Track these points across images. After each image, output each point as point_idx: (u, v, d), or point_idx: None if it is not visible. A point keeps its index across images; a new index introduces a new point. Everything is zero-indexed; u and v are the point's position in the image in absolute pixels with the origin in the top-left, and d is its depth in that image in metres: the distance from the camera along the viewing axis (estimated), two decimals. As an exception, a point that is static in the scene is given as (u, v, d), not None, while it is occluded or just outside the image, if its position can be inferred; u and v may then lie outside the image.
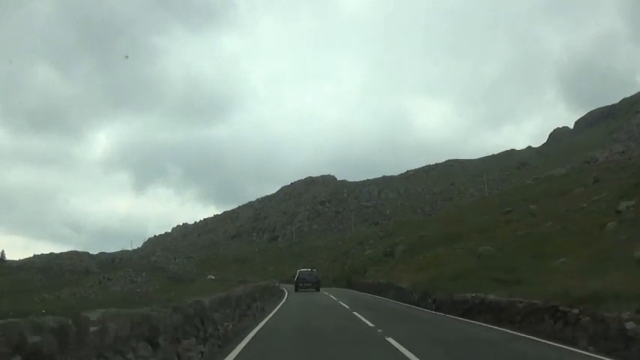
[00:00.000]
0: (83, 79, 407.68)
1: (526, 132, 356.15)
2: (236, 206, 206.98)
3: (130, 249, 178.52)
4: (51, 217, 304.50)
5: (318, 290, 46.76)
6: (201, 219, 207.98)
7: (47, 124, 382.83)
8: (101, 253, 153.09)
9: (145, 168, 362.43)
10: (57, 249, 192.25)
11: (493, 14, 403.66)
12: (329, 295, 38.56)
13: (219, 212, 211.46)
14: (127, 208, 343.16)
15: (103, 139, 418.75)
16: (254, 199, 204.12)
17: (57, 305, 75.23)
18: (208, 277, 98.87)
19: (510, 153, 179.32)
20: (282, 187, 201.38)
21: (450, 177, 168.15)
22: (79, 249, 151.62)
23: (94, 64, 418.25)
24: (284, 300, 34.04)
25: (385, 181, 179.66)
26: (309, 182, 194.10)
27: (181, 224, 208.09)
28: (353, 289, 51.13)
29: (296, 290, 46.95)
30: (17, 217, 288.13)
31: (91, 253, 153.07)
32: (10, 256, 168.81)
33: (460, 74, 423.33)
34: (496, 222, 48.20)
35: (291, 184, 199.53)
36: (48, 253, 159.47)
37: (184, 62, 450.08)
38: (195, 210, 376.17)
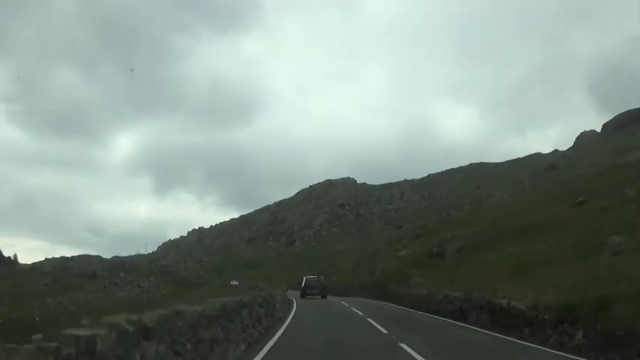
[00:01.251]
0: (105, 82, 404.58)
1: (551, 137, 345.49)
2: (253, 210, 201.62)
3: (144, 252, 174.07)
4: (72, 221, 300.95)
5: (324, 297, 46.84)
6: (217, 223, 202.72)
7: (69, 127, 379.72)
8: (115, 257, 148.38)
9: (166, 172, 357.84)
10: (76, 253, 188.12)
11: (519, 17, 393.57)
12: (363, 315, 26.22)
13: (236, 216, 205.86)
14: (148, 212, 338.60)
15: (125, 143, 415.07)
16: (271, 203, 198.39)
17: (51, 312, 70.21)
18: (231, 282, 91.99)
19: (536, 156, 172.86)
20: (301, 190, 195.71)
21: (474, 180, 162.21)
22: (100, 253, 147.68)
23: (117, 66, 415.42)
24: (289, 319, 24.61)
25: (407, 185, 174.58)
26: (329, 185, 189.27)
27: (197, 228, 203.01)
28: (390, 300, 40.72)
29: (302, 297, 46.60)
30: (38, 221, 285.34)
31: (104, 256, 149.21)
32: (27, 260, 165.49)
33: (485, 78, 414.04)
34: (580, 212, 38.38)
35: (310, 187, 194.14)
36: (59, 256, 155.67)
37: (207, 64, 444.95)
38: (217, 215, 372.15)
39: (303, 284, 50.13)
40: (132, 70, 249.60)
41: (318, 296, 46.94)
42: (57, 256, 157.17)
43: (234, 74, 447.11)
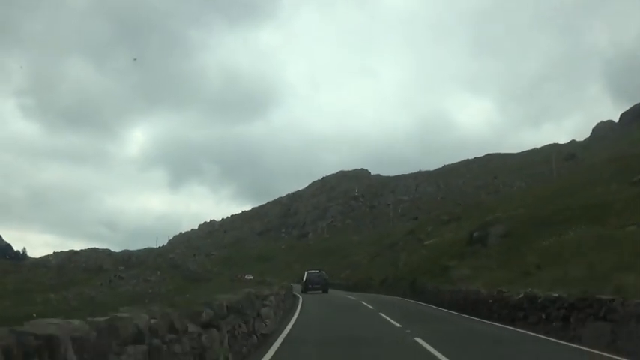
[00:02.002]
0: (119, 75, 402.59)
1: (567, 128, 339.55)
2: (265, 202, 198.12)
3: (155, 246, 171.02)
4: (85, 215, 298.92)
5: (326, 292, 46.80)
6: (228, 216, 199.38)
7: (83, 121, 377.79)
8: (124, 251, 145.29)
9: (180, 165, 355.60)
10: (89, 247, 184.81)
11: (535, 8, 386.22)
12: (402, 327, 18.14)
13: (248, 209, 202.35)
14: (162, 206, 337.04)
15: (139, 136, 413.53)
16: (284, 195, 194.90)
17: (54, 307, 66.79)
18: (246, 276, 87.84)
19: (553, 147, 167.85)
20: (313, 182, 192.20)
21: (490, 171, 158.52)
22: (114, 248, 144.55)
23: (130, 59, 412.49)
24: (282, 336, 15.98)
25: (422, 176, 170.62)
26: (342, 177, 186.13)
27: (208, 221, 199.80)
28: (422, 298, 33.81)
29: (304, 292, 46.25)
30: (51, 216, 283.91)
31: (113, 250, 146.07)
32: (36, 254, 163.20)
33: (501, 69, 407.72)
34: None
35: (323, 178, 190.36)
36: (67, 250, 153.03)
37: (222, 57, 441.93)
38: (231, 208, 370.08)
39: (304, 279, 50.48)
40: (135, 59, 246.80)
41: (320, 290, 47.04)
42: (65, 250, 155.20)
43: (248, 67, 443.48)
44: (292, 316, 22.84)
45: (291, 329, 17.89)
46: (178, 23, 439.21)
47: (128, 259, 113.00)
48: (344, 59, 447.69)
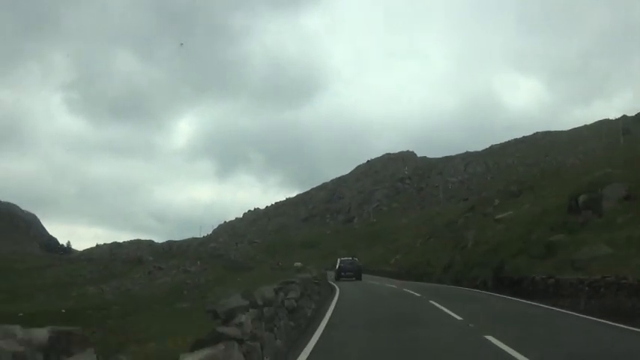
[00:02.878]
0: (164, 64, 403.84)
1: (617, 105, 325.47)
2: (309, 188, 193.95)
3: (199, 236, 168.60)
4: (134, 207, 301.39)
5: (359, 279, 46.14)
6: (273, 203, 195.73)
7: (128, 113, 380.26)
8: (166, 242, 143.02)
9: (227, 154, 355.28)
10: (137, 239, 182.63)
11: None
12: None
13: (293, 195, 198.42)
14: (210, 196, 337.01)
15: (185, 126, 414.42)
16: (328, 180, 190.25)
17: (85, 302, 63.76)
18: (295, 264, 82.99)
19: (604, 123, 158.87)
20: (358, 166, 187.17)
21: (541, 149, 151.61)
22: (162, 239, 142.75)
23: (175, 48, 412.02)
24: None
25: (469, 157, 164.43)
26: (387, 160, 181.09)
27: (252, 209, 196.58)
28: (524, 295, 22.93)
29: (337, 279, 45.08)
30: (100, 209, 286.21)
31: (156, 241, 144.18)
32: (81, 247, 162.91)
33: (549, 47, 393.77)
34: None
35: (368, 162, 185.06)
36: (111, 242, 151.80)
37: (266, 43, 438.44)
38: (278, 196, 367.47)
39: (337, 266, 49.79)
40: (181, 44, 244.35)
41: (353, 278, 46.37)
42: (114, 241, 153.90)
43: (294, 52, 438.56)
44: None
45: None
46: (222, 9, 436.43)
47: (169, 250, 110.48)
48: (389, 41, 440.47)
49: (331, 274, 47.10)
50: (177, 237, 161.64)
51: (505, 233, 35.70)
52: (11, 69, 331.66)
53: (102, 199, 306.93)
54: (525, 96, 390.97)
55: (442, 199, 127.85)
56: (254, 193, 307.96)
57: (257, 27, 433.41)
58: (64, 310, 50.59)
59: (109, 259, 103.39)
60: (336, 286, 33.59)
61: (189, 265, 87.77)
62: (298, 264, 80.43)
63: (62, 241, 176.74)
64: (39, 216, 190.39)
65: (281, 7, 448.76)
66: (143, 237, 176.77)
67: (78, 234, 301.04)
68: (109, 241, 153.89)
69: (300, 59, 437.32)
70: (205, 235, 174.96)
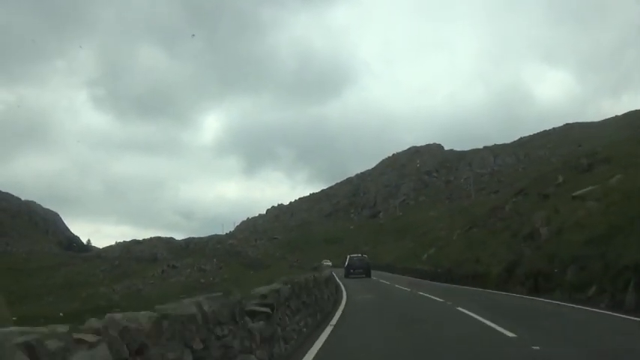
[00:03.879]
0: (190, 60, 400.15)
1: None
2: (334, 183, 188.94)
3: (221, 233, 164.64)
4: (161, 205, 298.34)
5: (368, 276, 45.12)
6: (296, 199, 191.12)
7: (154, 109, 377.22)
8: (185, 239, 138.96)
9: (254, 151, 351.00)
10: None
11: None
12: None
13: (317, 191, 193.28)
14: (237, 192, 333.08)
15: (212, 122, 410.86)
16: (353, 175, 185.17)
17: (91, 304, 59.65)
18: (324, 262, 76.64)
19: (635, 113, 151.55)
20: (383, 160, 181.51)
21: (572, 140, 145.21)
22: (187, 236, 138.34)
23: (201, 43, 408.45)
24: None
25: (498, 148, 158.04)
26: (413, 152, 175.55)
27: (276, 205, 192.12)
28: None
29: (346, 276, 44.39)
30: (127, 207, 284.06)
31: (176, 238, 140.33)
32: (101, 245, 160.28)
33: (579, 39, 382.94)
34: None
35: (393, 155, 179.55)
36: (130, 240, 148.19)
37: (294, 36, 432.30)
38: (306, 192, 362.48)
39: (346, 263, 49.15)
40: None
41: (363, 275, 45.40)
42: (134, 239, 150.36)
43: (321, 46, 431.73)
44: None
45: None
46: (250, 1, 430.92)
47: (186, 247, 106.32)
48: (418, 34, 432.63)
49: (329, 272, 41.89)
50: (202, 234, 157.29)
51: (605, 213, 22.67)
52: (36, 66, 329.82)
53: (128, 196, 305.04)
54: (554, 88, 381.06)
55: (473, 191, 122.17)
56: (282, 189, 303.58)
57: (285, 20, 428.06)
58: (62, 314, 46.41)
59: (123, 257, 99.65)
60: (343, 289, 27.09)
61: (205, 263, 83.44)
62: (328, 262, 73.24)
63: (85, 240, 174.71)
64: (63, 214, 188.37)
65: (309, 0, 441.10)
66: (170, 235, 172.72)
67: (104, 232, 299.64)
68: (127, 239, 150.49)
69: (328, 52, 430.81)
70: (228, 232, 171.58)
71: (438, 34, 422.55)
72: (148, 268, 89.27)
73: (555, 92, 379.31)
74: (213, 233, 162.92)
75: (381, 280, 39.34)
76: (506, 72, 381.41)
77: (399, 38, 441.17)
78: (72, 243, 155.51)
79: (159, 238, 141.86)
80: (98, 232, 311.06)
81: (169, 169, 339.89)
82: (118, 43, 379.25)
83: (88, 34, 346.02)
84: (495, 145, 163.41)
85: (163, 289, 69.47)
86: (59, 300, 71.36)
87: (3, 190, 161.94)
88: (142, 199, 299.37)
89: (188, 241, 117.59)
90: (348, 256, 51.60)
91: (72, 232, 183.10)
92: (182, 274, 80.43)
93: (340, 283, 31.37)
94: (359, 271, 46.74)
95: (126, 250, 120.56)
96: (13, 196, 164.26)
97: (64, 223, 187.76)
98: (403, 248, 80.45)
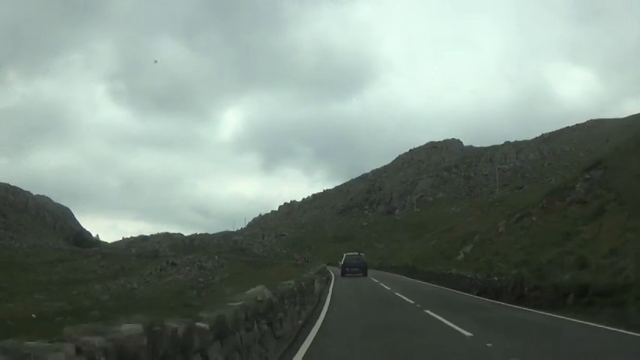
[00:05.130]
0: (210, 55, 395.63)
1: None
2: (348, 179, 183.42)
3: (232, 229, 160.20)
4: (178, 201, 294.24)
5: (365, 275, 44.30)
6: (309, 195, 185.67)
7: (173, 104, 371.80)
8: (191, 235, 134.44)
9: (273, 147, 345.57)
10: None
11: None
12: None
13: (330, 187, 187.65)
14: (256, 190, 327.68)
15: (230, 118, 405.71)
16: (369, 171, 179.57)
17: (76, 303, 54.96)
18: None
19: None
20: (400, 156, 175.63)
21: (598, 136, 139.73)
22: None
23: (220, 38, 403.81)
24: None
25: (520, 144, 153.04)
26: (431, 148, 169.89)
27: (288, 202, 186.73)
28: None
29: (342, 275, 44.90)
30: (144, 202, 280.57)
31: (185, 234, 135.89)
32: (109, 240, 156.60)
33: (604, 39, 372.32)
34: None
35: (410, 151, 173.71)
36: (137, 235, 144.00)
37: (315, 31, 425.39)
38: (323, 189, 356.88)
39: (342, 261, 48.64)
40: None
41: (360, 274, 44.85)
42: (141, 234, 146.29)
43: (342, 42, 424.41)
44: None
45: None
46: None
47: (190, 244, 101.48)
48: (440, 31, 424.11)
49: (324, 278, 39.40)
50: (217, 231, 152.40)
51: None
52: (54, 58, 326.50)
53: (145, 192, 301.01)
54: (577, 87, 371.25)
55: (498, 186, 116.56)
56: (301, 187, 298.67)
57: (306, 14, 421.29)
58: (34, 315, 41.40)
59: (123, 254, 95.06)
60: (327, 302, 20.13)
61: (206, 261, 78.29)
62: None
63: (95, 235, 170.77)
64: (80, 210, 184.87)
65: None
66: (186, 232, 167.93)
67: (119, 228, 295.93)
68: (146, 234, 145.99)
69: (350, 48, 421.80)
70: (239, 228, 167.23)
71: (461, 31, 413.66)
72: (148, 265, 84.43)
73: (578, 91, 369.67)
74: (225, 230, 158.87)
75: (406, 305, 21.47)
76: (527, 70, 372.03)
77: (421, 34, 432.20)
78: (79, 238, 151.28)
79: (166, 234, 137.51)
80: (114, 229, 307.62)
81: (187, 165, 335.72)
82: (138, 38, 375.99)
83: (108, 27, 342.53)
84: (516, 142, 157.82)
85: (157, 289, 64.34)
86: (48, 297, 66.62)
87: (12, 185, 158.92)
88: (159, 195, 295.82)
89: (193, 238, 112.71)
90: (345, 255, 50.81)
91: (83, 227, 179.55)
92: (181, 272, 75.32)
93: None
94: (355, 269, 46.25)
95: (129, 246, 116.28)
96: (22, 190, 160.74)
97: (74, 218, 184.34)
98: (423, 246, 71.27)
